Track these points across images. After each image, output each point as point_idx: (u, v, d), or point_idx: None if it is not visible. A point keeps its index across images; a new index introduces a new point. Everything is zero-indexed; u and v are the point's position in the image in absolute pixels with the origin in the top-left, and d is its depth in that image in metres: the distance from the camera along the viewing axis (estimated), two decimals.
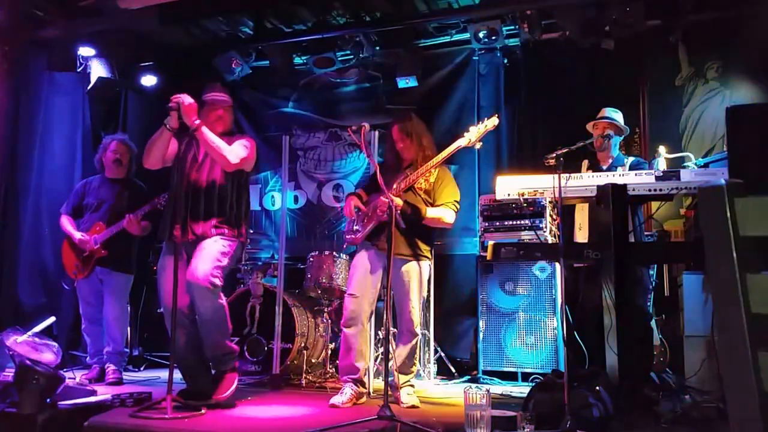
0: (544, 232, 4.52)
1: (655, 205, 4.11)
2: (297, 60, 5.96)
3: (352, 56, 5.78)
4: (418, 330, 3.54)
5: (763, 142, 2.23)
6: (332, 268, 4.54)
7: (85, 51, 5.54)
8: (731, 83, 5.01)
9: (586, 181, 3.38)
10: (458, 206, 3.61)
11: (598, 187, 3.32)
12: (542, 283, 4.53)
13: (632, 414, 2.89)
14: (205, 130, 3.26)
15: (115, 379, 4.17)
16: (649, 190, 3.25)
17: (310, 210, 6.15)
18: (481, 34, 5.23)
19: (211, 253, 3.24)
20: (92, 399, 3.28)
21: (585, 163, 4.09)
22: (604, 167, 3.93)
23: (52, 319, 4.22)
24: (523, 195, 3.46)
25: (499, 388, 4.18)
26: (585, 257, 3.27)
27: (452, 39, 5.70)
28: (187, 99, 3.25)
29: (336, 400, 3.33)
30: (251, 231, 4.93)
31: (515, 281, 4.61)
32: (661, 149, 4.07)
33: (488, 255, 3.38)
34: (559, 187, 3.02)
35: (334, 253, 4.62)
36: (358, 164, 6.01)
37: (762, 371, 1.13)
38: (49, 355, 3.59)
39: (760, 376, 1.13)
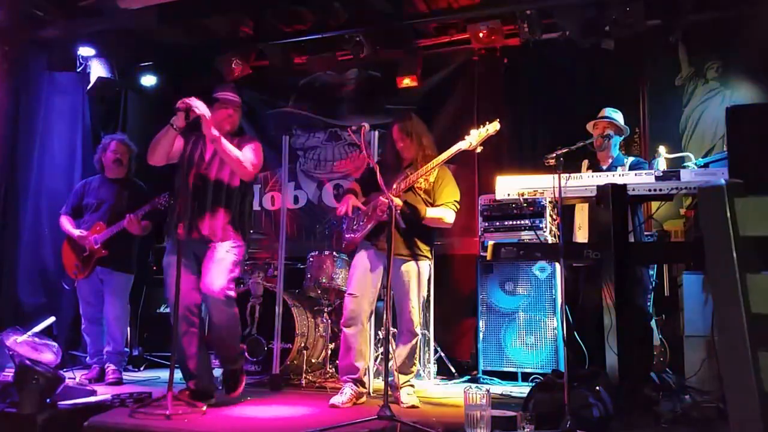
0: (544, 232, 4.52)
1: (655, 205, 4.12)
2: (297, 60, 5.96)
3: (352, 56, 5.77)
4: (418, 330, 3.54)
5: (763, 142, 2.23)
6: (332, 268, 4.54)
7: (85, 51, 5.54)
8: (731, 83, 5.00)
9: (586, 181, 3.38)
10: (458, 206, 3.61)
11: (598, 187, 3.32)
12: (542, 283, 4.53)
13: (632, 414, 2.89)
14: (224, 142, 3.31)
15: (115, 379, 4.17)
16: (649, 190, 3.25)
17: (310, 210, 6.16)
18: (481, 34, 5.23)
19: (226, 266, 3.33)
20: (92, 399, 3.28)
21: (585, 163, 4.09)
22: (604, 167, 3.92)
23: (52, 319, 4.22)
24: (523, 195, 3.46)
25: (499, 388, 4.18)
26: (585, 257, 3.28)
27: (452, 39, 5.69)
28: (201, 106, 3.24)
29: (336, 400, 3.33)
30: (251, 231, 4.94)
31: (515, 281, 4.61)
32: (661, 149, 4.07)
33: (488, 255, 3.39)
34: (559, 187, 3.02)
35: (334, 253, 4.62)
36: (359, 164, 6.01)
37: (762, 371, 1.13)
38: (49, 355, 3.60)
39: (760, 376, 1.13)
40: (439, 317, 4.86)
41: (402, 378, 3.50)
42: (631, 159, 3.97)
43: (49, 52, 5.41)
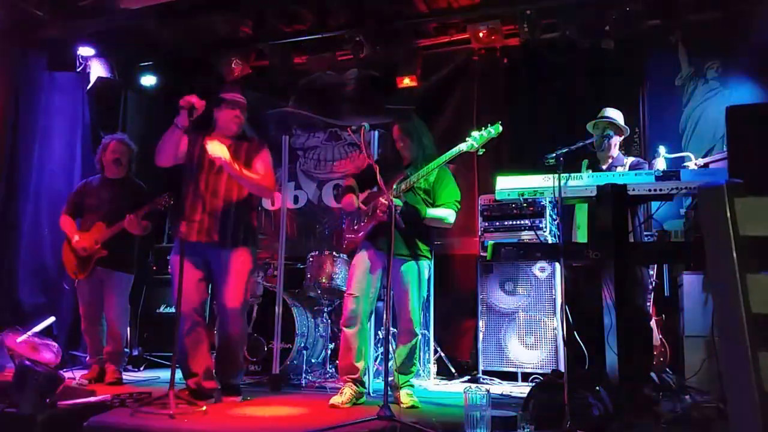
0: (544, 232, 4.52)
1: (655, 205, 4.12)
2: (297, 60, 5.96)
3: (352, 56, 5.77)
4: (417, 330, 3.54)
5: (763, 142, 2.23)
6: (332, 268, 4.54)
7: (84, 51, 5.55)
8: (731, 83, 5.00)
9: (586, 181, 3.37)
10: (459, 206, 3.61)
11: (598, 187, 3.31)
12: (542, 283, 4.53)
13: (632, 414, 2.89)
14: (245, 172, 3.38)
15: (115, 379, 4.17)
16: (649, 190, 3.24)
17: (310, 210, 6.15)
18: (480, 34, 5.23)
19: (243, 278, 3.44)
20: (92, 399, 3.27)
21: (585, 163, 4.09)
22: (604, 167, 3.92)
23: (52, 319, 4.22)
24: (523, 195, 3.46)
25: (499, 388, 4.18)
26: (585, 257, 3.27)
27: (452, 39, 5.69)
28: (197, 102, 3.25)
29: (336, 400, 3.33)
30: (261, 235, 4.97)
31: (515, 281, 4.61)
32: (661, 149, 4.08)
33: (488, 255, 3.38)
34: (559, 187, 3.02)
35: (334, 253, 4.62)
36: (359, 164, 6.01)
37: (762, 371, 1.13)
38: (48, 355, 3.60)
39: (760, 376, 1.13)
40: (439, 317, 4.87)
41: (402, 378, 3.49)
42: (631, 159, 3.97)
43: (49, 52, 5.42)
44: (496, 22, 5.15)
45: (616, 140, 4.03)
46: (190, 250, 3.32)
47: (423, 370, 4.56)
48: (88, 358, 4.44)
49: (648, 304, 3.98)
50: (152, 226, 4.38)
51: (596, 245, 3.29)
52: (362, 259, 3.55)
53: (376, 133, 4.35)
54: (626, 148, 4.71)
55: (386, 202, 3.17)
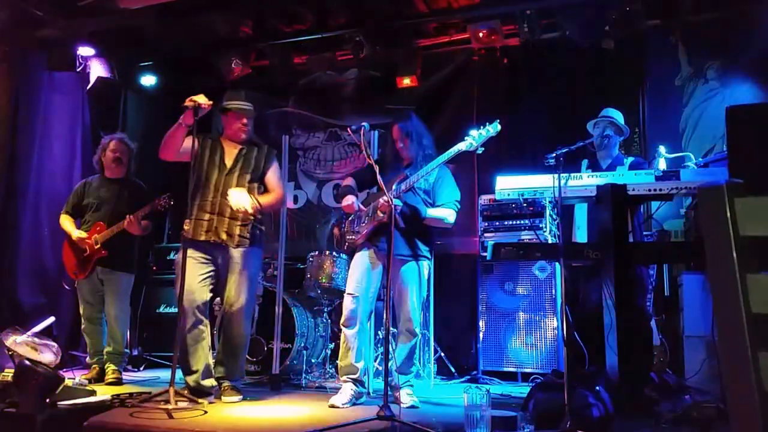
0: (544, 232, 4.52)
1: (655, 205, 4.11)
2: (297, 60, 5.96)
3: (352, 56, 5.77)
4: (417, 330, 3.54)
5: (763, 142, 2.23)
6: (332, 268, 4.54)
7: (84, 51, 5.54)
8: (731, 83, 5.00)
9: (586, 181, 3.37)
10: (459, 206, 3.61)
11: (598, 187, 3.32)
12: (542, 283, 4.53)
13: (632, 414, 2.89)
14: (265, 202, 3.53)
15: (115, 379, 4.17)
16: (649, 190, 3.25)
17: (310, 210, 6.15)
18: (480, 34, 5.23)
19: (250, 279, 3.51)
20: (92, 399, 3.27)
21: (585, 162, 4.09)
22: (604, 167, 3.92)
23: (52, 319, 4.21)
24: (523, 195, 3.46)
25: (499, 388, 4.18)
26: (585, 257, 3.27)
27: (452, 39, 5.69)
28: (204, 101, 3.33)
29: (336, 400, 3.33)
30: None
31: (515, 281, 4.61)
32: (661, 149, 4.07)
33: (488, 255, 3.38)
34: (559, 187, 3.02)
35: (334, 253, 4.62)
36: (358, 164, 6.01)
37: (762, 371, 1.12)
38: (48, 355, 3.59)
39: (760, 376, 1.12)
40: (439, 317, 4.86)
41: (402, 378, 3.49)
42: (631, 159, 3.97)
43: (49, 52, 5.42)
44: (496, 22, 5.15)
45: (616, 140, 4.03)
46: (198, 248, 3.42)
47: (423, 370, 4.56)
48: (88, 358, 4.44)
49: (648, 304, 3.98)
50: (152, 226, 4.39)
51: (596, 245, 3.30)
52: (362, 259, 3.55)
53: (376, 133, 4.35)
54: (626, 148, 4.72)
55: (386, 203, 3.17)
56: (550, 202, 4.50)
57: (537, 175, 3.45)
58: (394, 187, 3.42)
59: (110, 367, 4.23)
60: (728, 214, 1.18)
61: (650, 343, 4.10)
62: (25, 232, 5.18)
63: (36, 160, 5.32)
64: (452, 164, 3.63)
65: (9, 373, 3.12)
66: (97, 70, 5.68)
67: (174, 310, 5.41)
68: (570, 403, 2.56)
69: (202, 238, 3.44)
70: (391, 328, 3.40)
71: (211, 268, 3.49)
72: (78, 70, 5.57)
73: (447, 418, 2.97)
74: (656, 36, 5.02)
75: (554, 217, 4.57)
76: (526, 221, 4.62)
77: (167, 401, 2.88)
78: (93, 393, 3.39)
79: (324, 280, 4.51)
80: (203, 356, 3.42)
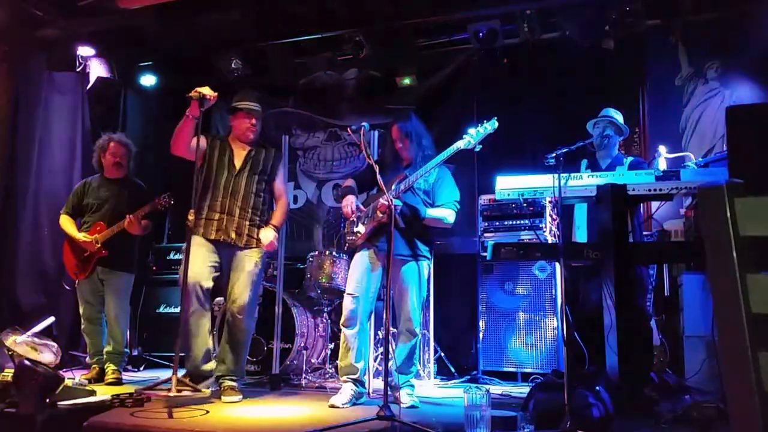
0: (544, 232, 4.52)
1: (655, 205, 4.11)
2: (297, 60, 5.96)
3: (352, 56, 5.77)
4: (417, 330, 3.54)
5: (763, 142, 2.23)
6: (332, 268, 4.54)
7: (84, 51, 5.54)
8: (731, 83, 5.00)
9: (585, 181, 3.37)
10: (458, 206, 3.60)
11: (598, 187, 3.31)
12: (542, 283, 4.53)
13: (632, 414, 2.89)
14: (279, 216, 3.74)
15: (115, 379, 4.17)
16: (649, 190, 3.25)
17: (310, 210, 6.16)
18: (480, 34, 5.22)
19: (254, 278, 3.56)
20: (92, 399, 3.28)
21: (584, 162, 4.09)
22: (604, 167, 3.92)
23: (52, 319, 4.21)
24: (522, 195, 3.45)
25: (499, 388, 4.18)
26: (585, 257, 3.27)
27: (452, 39, 5.69)
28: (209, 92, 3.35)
29: (336, 400, 3.33)
30: None
31: (515, 281, 4.61)
32: (661, 149, 4.07)
33: (488, 255, 3.38)
34: (559, 187, 3.02)
35: (334, 253, 4.62)
36: (358, 164, 6.01)
37: (762, 371, 1.12)
38: (48, 355, 3.59)
39: (760, 376, 1.12)
40: (439, 317, 4.86)
41: (402, 378, 3.49)
42: (630, 159, 3.97)
43: (49, 52, 5.42)
44: (496, 22, 5.15)
45: (616, 140, 4.03)
46: (207, 244, 3.51)
47: (423, 370, 4.56)
48: (87, 358, 4.44)
49: (648, 304, 3.98)
50: (152, 226, 4.39)
51: (596, 245, 3.30)
52: (362, 259, 3.55)
53: (376, 133, 4.35)
54: (626, 148, 4.72)
55: (386, 203, 3.17)
56: (550, 202, 4.50)
57: (537, 175, 3.44)
58: (393, 187, 3.42)
59: (110, 367, 4.23)
60: (728, 214, 1.18)
61: (650, 343, 4.10)
62: (24, 232, 5.18)
63: (36, 160, 5.31)
64: (452, 164, 3.62)
65: (9, 373, 3.12)
66: (97, 70, 5.68)
67: (174, 310, 5.41)
68: (570, 403, 2.56)
69: (212, 237, 3.53)
70: (391, 328, 3.40)
71: (218, 259, 3.57)
72: (78, 70, 5.57)
73: (447, 418, 2.97)
74: (656, 36, 5.02)
75: (554, 217, 4.57)
76: (526, 221, 4.62)
77: (169, 390, 2.89)
78: (93, 393, 3.39)
79: (324, 280, 4.51)
80: (204, 341, 3.49)
